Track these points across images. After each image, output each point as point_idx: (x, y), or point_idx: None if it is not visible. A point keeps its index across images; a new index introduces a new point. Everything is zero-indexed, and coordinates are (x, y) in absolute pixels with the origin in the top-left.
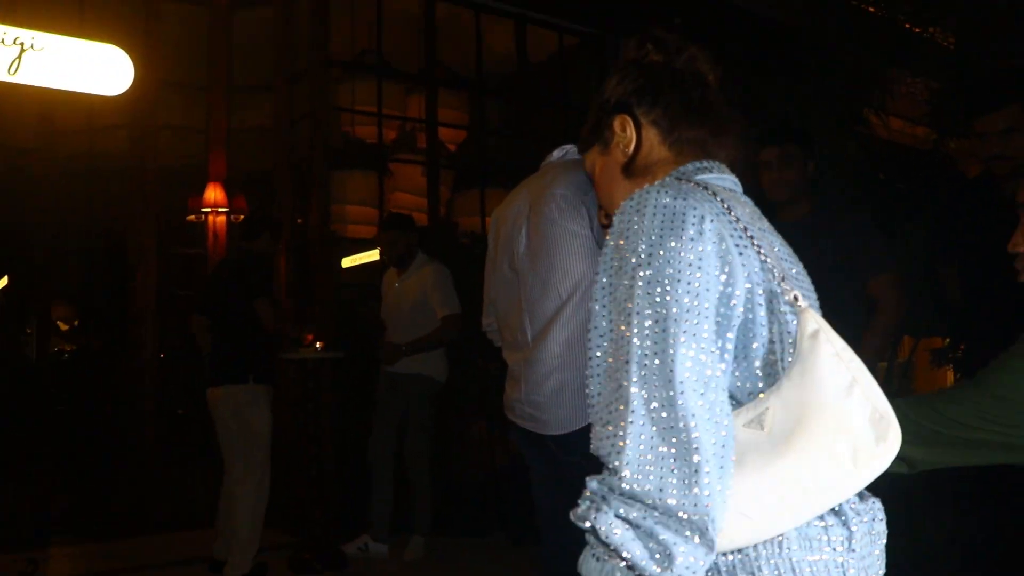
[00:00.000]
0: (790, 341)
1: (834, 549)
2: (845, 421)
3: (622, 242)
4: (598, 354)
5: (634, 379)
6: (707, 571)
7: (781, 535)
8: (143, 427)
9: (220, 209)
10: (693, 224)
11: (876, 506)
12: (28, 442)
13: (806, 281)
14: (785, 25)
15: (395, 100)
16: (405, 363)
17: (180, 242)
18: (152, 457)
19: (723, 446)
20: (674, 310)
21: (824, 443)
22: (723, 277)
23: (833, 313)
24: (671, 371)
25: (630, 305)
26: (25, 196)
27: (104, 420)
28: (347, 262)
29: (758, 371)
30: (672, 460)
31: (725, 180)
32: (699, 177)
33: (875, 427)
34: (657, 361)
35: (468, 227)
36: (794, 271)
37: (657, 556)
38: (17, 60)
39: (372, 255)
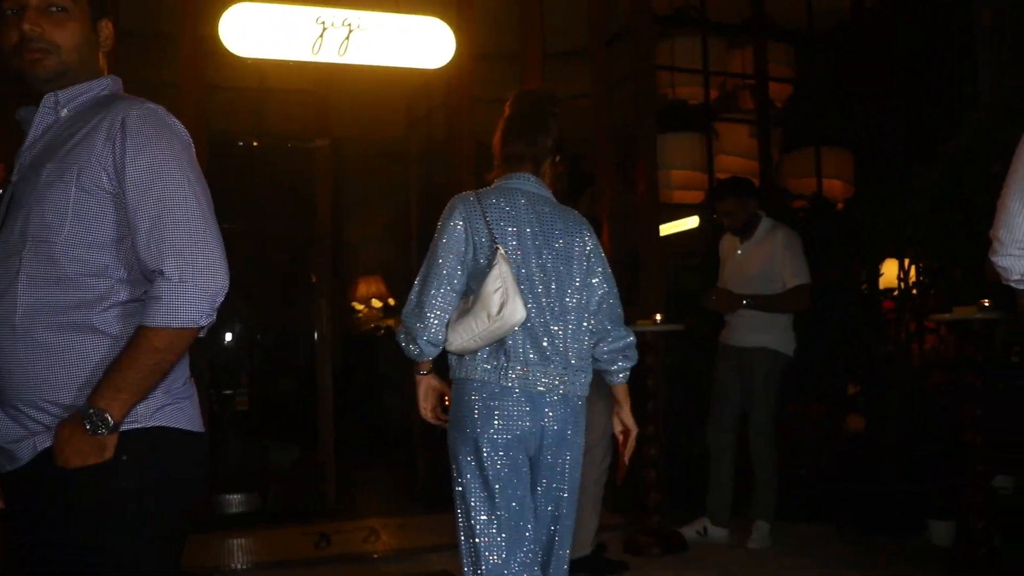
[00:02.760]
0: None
1: (496, 363)
2: (488, 302)
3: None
4: None
5: (419, 276)
6: (453, 361)
7: (475, 353)
8: None
9: None
10: (453, 211)
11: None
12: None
13: (544, 255)
14: None
15: (716, 56)
16: (750, 335)
17: None
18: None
19: (442, 311)
20: (438, 251)
21: (479, 311)
22: (464, 236)
23: None
24: (431, 275)
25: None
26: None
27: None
28: (664, 230)
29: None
30: (418, 309)
31: (519, 181)
32: (499, 182)
33: (498, 306)
34: (427, 270)
35: (800, 189)
36: (536, 243)
37: (403, 344)
38: (345, 41)
39: (689, 222)
